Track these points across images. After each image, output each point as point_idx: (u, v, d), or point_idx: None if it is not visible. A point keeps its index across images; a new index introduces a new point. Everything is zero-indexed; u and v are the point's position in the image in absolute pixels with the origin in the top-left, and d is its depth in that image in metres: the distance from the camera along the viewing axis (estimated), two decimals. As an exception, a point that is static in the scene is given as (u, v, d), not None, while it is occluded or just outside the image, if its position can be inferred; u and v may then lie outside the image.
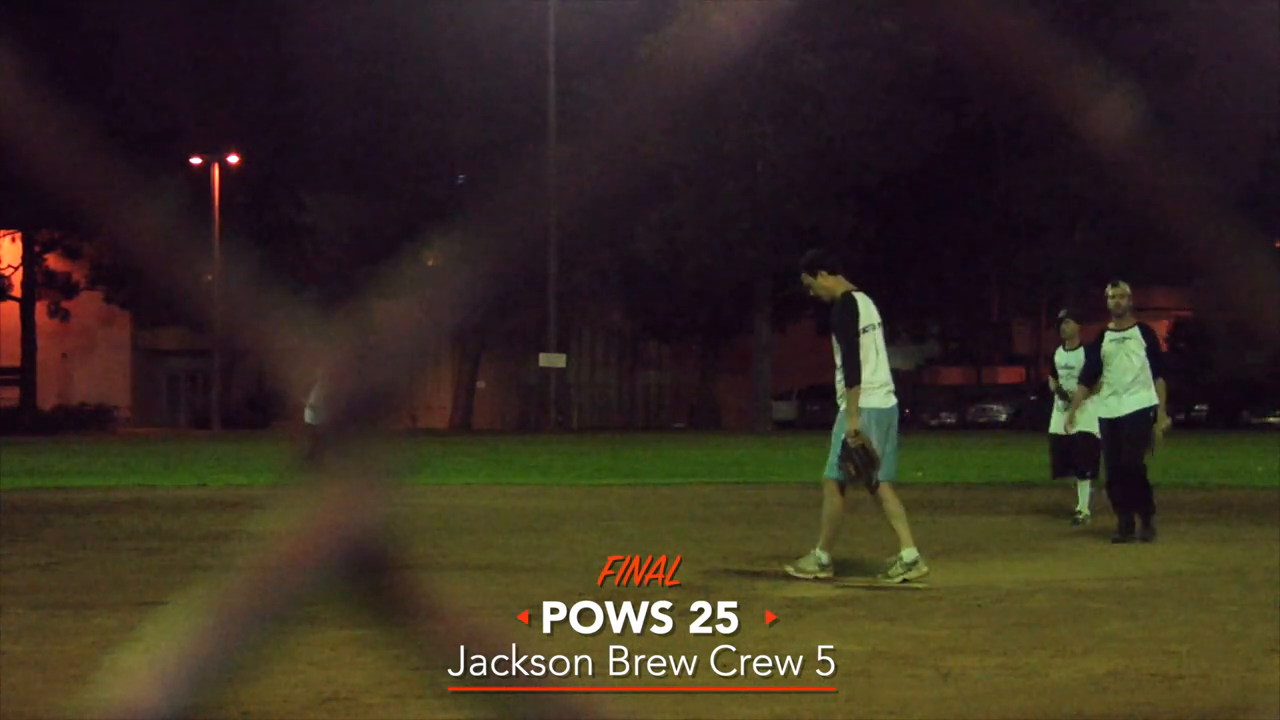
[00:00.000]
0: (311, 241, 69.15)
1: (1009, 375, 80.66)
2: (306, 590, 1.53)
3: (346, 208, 69.22)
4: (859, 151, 62.07)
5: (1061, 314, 17.83)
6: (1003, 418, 69.28)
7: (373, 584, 1.56)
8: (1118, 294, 14.41)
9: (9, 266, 68.69)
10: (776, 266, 61.80)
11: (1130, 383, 14.17)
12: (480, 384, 72.74)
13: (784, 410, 70.95)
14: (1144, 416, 14.18)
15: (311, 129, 69.21)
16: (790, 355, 77.71)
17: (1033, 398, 72.47)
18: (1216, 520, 17.64)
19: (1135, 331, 14.35)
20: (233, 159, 66.85)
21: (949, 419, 69.19)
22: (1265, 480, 24.37)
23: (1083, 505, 16.50)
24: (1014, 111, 61.15)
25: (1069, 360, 16.81)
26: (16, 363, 69.02)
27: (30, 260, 68.33)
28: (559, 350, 60.84)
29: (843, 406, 11.35)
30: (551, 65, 58.14)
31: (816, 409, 71.67)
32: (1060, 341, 17.42)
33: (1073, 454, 16.52)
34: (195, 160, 65.36)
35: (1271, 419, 63.97)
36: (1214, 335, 73.21)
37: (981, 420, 68.99)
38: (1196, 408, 66.44)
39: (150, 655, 1.53)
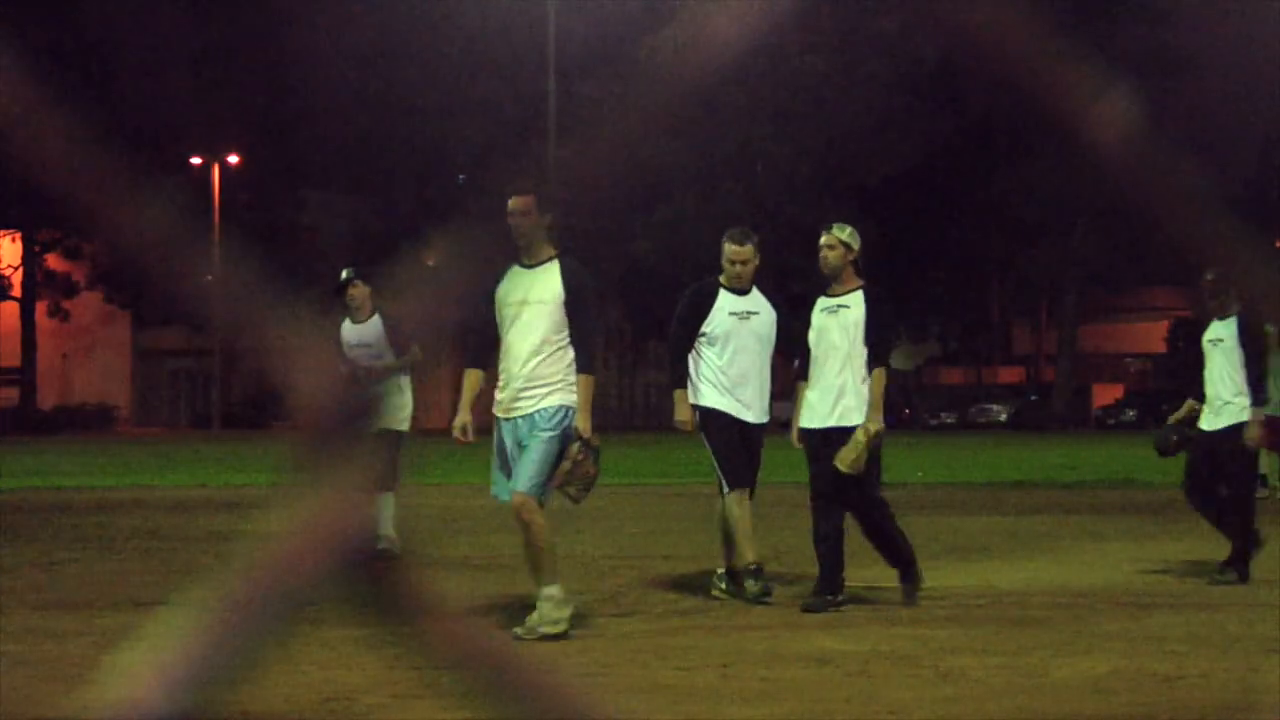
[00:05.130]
0: (311, 241, 69.15)
1: (1009, 375, 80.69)
2: (306, 590, 1.53)
3: (346, 208, 69.22)
4: (859, 151, 62.06)
5: (346, 274, 12.84)
6: (1003, 418, 69.29)
7: (373, 584, 1.56)
8: (830, 240, 10.36)
9: (9, 266, 68.71)
10: (776, 266, 61.76)
11: (837, 373, 10.11)
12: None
13: (784, 410, 70.91)
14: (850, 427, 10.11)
15: (311, 129, 69.18)
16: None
17: (1033, 398, 72.49)
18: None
19: (858, 296, 10.25)
20: (233, 159, 66.87)
21: (949, 419, 69.17)
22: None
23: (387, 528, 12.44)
24: (1014, 111, 61.11)
25: (363, 335, 12.72)
26: (16, 363, 69.04)
27: (30, 260, 68.36)
28: (559, 350, 60.80)
29: (564, 401, 8.85)
30: (551, 65, 58.10)
31: (816, 409, 71.38)
32: (349, 311, 12.81)
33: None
34: (195, 160, 65.38)
35: (1271, 419, 63.85)
36: (1214, 335, 73.05)
37: (981, 420, 68.98)
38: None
39: (150, 655, 1.53)
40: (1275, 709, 6.64)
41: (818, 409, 10.20)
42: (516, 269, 8.90)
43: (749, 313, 10.62)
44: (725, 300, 10.66)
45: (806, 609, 9.82)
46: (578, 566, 12.71)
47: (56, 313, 68.82)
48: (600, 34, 61.40)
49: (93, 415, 67.78)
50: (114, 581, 11.80)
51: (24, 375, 68.76)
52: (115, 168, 1.53)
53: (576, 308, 8.83)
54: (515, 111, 64.44)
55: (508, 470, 8.97)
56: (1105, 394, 74.89)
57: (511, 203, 8.83)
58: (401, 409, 12.94)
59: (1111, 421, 67.69)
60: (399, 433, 12.79)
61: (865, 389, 10.09)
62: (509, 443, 8.97)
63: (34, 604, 10.31)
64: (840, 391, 10.12)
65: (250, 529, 12.65)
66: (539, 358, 8.82)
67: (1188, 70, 67.76)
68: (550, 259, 8.90)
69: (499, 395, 9.01)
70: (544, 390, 8.82)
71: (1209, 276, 12.08)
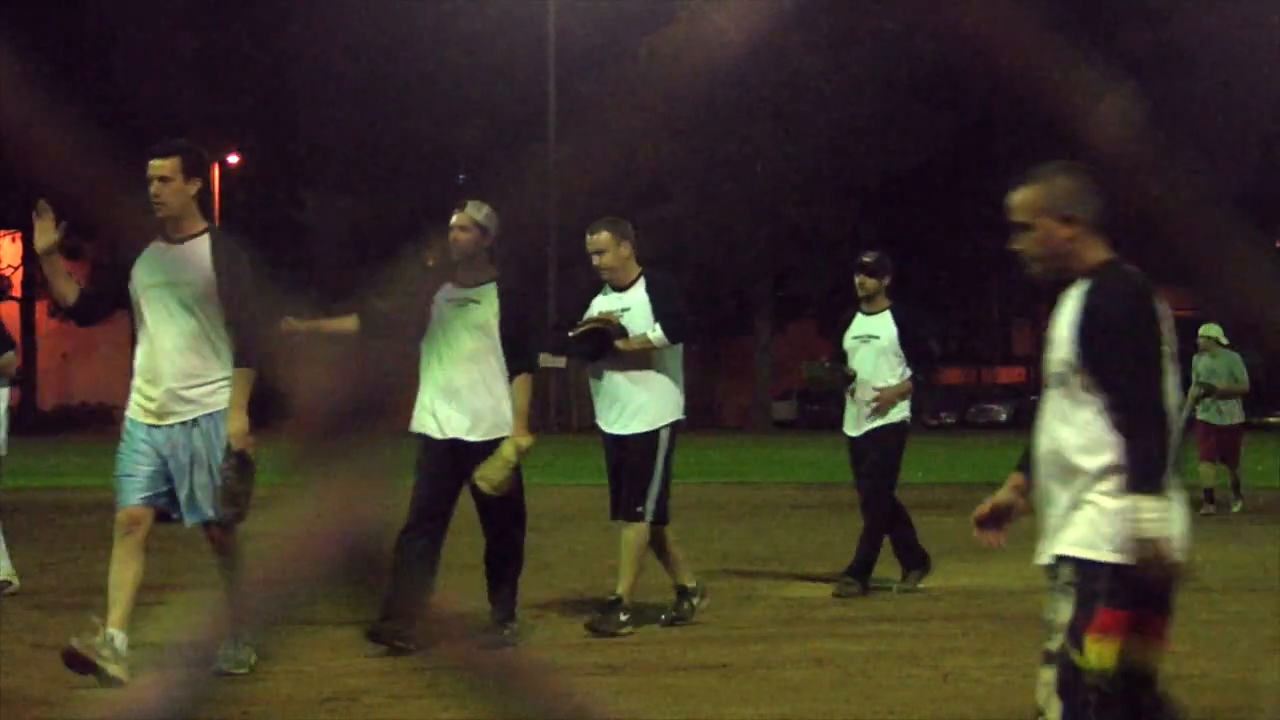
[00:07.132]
0: (311, 241, 69.16)
1: (1009, 375, 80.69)
2: (307, 590, 1.53)
3: (346, 208, 69.19)
4: (859, 151, 62.09)
5: None
6: (1003, 418, 69.31)
7: (373, 584, 1.57)
8: (462, 221, 8.75)
9: (9, 266, 68.75)
10: (777, 266, 61.83)
11: (465, 380, 8.76)
12: (480, 384, 72.80)
13: (784, 410, 70.99)
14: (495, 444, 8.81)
15: (311, 129, 69.19)
16: (790, 355, 77.69)
17: (1033, 398, 72.35)
18: (1217, 520, 17.65)
19: (489, 291, 8.84)
20: (233, 159, 66.91)
21: (949, 419, 69.21)
22: (1265, 480, 24.34)
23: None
24: (1014, 111, 61.10)
25: None
26: (17, 363, 69.05)
27: (30, 260, 68.38)
28: (559, 350, 60.80)
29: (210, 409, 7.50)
30: (551, 65, 58.10)
31: (816, 409, 71.62)
32: None
33: None
34: (195, 160, 65.37)
35: (1271, 419, 63.93)
36: (1214, 335, 73.13)
37: (981, 420, 69.04)
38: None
39: (150, 655, 1.53)
40: (1275, 709, 6.63)
41: (447, 420, 8.68)
42: (158, 245, 7.58)
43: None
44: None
45: (375, 636, 8.01)
46: (578, 567, 12.70)
47: (56, 313, 68.81)
48: (600, 34, 61.38)
49: (93, 415, 67.77)
50: (114, 581, 11.79)
51: (24, 375, 68.82)
52: (115, 168, 1.53)
53: (231, 289, 7.43)
54: (515, 111, 64.41)
55: (149, 479, 7.47)
56: (1105, 394, 74.90)
57: (152, 166, 7.52)
58: None
59: (1111, 421, 67.70)
60: None
61: (502, 394, 8.76)
62: (160, 451, 7.46)
63: (34, 604, 10.31)
64: (468, 400, 8.68)
65: (250, 529, 12.66)
66: (190, 350, 7.44)
67: (1188, 70, 67.74)
68: (200, 233, 7.63)
69: (144, 396, 7.54)
70: (208, 389, 7.44)
71: (866, 259, 11.09)
